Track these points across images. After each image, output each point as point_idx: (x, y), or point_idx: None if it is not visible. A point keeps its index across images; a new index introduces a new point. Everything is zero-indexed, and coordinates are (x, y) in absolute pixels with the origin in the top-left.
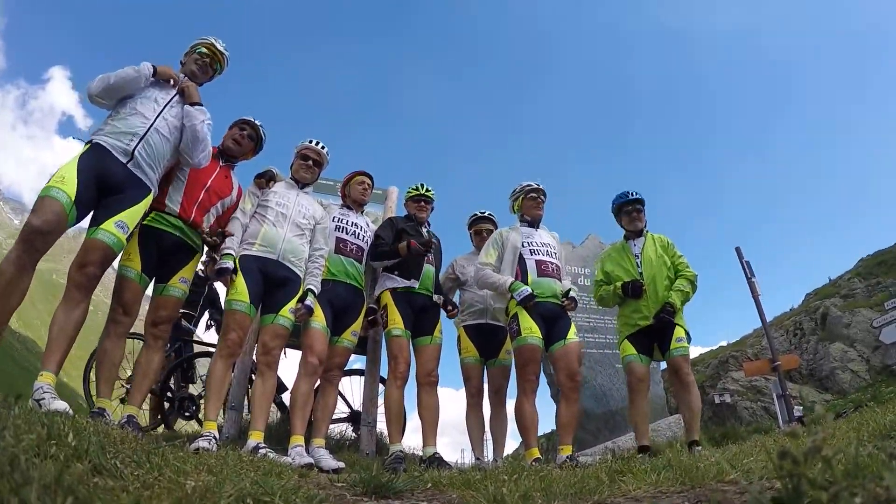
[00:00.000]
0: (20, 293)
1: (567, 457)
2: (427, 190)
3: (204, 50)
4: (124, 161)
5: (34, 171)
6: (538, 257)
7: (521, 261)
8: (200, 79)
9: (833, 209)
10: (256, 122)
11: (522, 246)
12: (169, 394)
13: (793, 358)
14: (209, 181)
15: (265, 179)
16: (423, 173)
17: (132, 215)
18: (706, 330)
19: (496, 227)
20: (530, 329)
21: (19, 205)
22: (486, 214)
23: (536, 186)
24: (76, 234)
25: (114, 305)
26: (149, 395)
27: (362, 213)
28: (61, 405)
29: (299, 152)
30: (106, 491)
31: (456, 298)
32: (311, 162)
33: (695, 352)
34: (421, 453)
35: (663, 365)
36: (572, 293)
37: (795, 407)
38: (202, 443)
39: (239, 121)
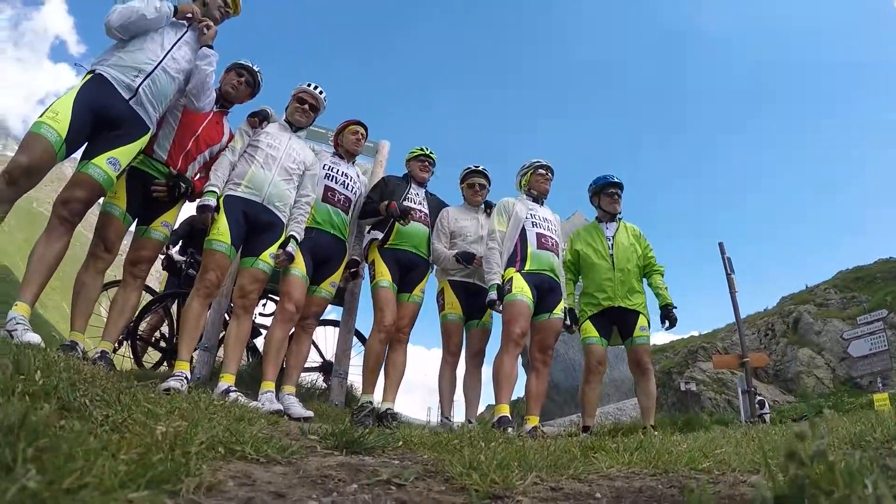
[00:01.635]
0: None
1: (532, 427)
2: (430, 152)
3: None
4: (127, 97)
5: (21, 95)
6: (539, 230)
7: (523, 232)
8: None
9: (818, 221)
10: (255, 67)
11: (526, 218)
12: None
13: (762, 356)
14: (200, 129)
15: (259, 119)
16: (416, 135)
17: (126, 153)
18: (679, 318)
19: (489, 182)
20: (522, 289)
21: (2, 129)
22: (479, 168)
23: (545, 163)
24: (60, 163)
25: (96, 241)
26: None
27: (353, 163)
28: (34, 337)
29: (296, 95)
30: (73, 434)
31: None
32: (307, 106)
33: (665, 338)
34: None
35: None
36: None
37: (758, 401)
38: (173, 383)
39: (236, 65)
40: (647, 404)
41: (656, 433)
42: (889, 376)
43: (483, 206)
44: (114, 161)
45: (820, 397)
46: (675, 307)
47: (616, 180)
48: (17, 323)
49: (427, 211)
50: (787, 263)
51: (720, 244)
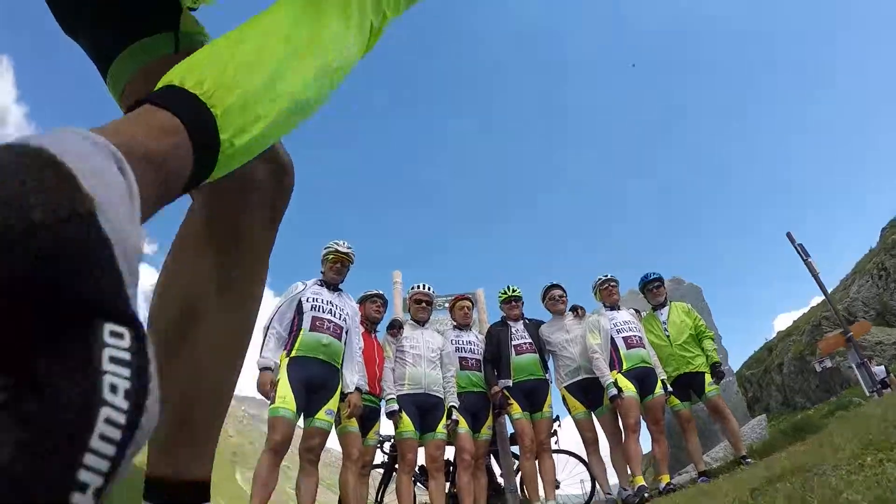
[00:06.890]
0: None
1: (666, 484)
2: (514, 290)
3: (332, 256)
4: (323, 359)
5: None
6: (624, 334)
7: (612, 340)
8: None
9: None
10: (379, 291)
11: (611, 328)
12: None
13: (864, 324)
14: (376, 356)
15: (396, 329)
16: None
17: (335, 402)
18: (797, 292)
19: (564, 291)
20: (627, 387)
21: None
22: (556, 283)
23: (606, 278)
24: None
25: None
26: None
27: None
28: None
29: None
30: None
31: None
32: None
33: (787, 320)
34: None
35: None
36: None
37: (875, 368)
38: None
39: (371, 295)
40: (735, 439)
41: (749, 460)
42: None
43: (569, 311)
44: (330, 412)
45: None
46: (722, 364)
47: (654, 276)
48: None
49: (531, 340)
50: (876, 192)
51: (788, 234)
